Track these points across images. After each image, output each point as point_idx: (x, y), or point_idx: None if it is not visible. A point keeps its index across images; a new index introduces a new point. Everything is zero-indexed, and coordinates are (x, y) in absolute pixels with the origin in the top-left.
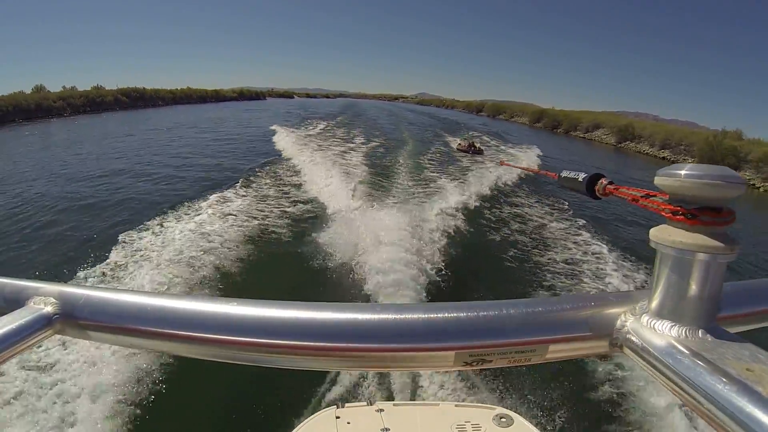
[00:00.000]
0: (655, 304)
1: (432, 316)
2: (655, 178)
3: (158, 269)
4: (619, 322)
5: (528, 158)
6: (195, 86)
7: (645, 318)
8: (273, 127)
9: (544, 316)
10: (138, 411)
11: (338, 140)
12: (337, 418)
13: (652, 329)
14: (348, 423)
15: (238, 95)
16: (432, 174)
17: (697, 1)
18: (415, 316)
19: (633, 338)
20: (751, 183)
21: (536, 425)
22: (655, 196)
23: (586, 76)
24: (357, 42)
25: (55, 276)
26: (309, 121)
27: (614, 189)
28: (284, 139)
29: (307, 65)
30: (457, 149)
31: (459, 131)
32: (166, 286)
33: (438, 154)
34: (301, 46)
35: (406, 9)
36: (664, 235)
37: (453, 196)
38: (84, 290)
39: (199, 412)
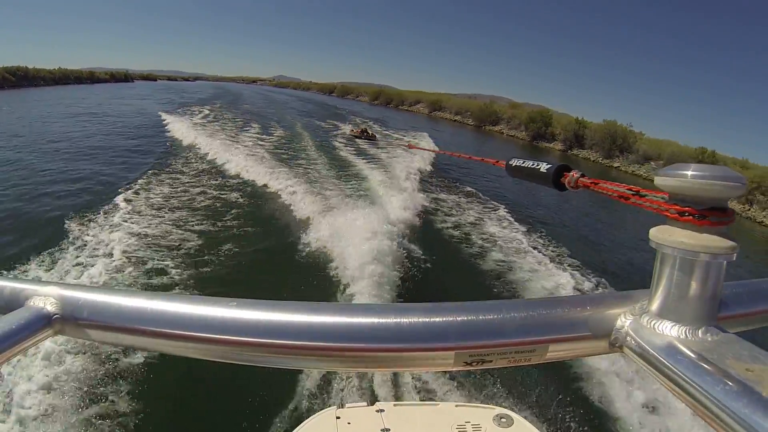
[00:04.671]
0: (655, 304)
1: (432, 316)
2: (656, 178)
3: (108, 268)
4: (619, 322)
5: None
6: (64, 65)
7: (645, 318)
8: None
9: (544, 317)
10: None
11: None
12: (338, 418)
13: (652, 329)
14: (348, 423)
15: (110, 77)
16: (355, 167)
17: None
18: (415, 316)
19: (633, 338)
20: (501, 132)
21: (536, 425)
22: (647, 194)
23: (449, 58)
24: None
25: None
26: (189, 107)
27: (591, 183)
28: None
29: (160, 48)
30: (351, 135)
31: (340, 116)
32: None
33: (344, 144)
34: (158, 26)
35: None
36: (665, 235)
37: (381, 187)
38: (84, 290)
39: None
